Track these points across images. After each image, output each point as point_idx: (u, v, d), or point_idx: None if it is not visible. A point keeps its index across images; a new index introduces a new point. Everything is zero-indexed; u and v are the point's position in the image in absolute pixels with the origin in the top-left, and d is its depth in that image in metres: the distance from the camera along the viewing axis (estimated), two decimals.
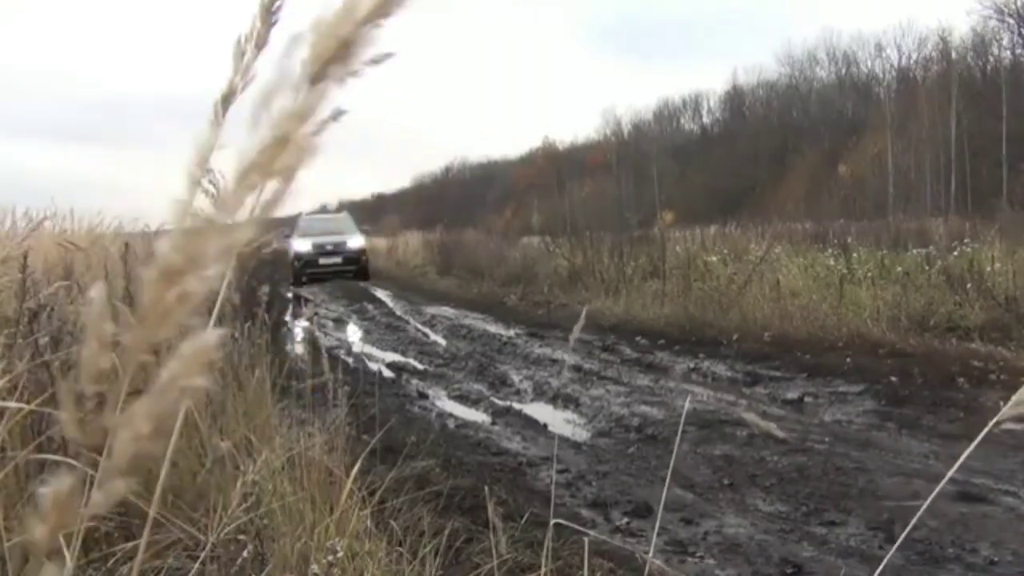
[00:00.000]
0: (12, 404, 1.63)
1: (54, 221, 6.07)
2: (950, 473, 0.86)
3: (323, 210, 37.17)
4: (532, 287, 13.19)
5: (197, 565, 1.42)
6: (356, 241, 18.66)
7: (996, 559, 2.92)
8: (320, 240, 18.06)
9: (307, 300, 11.05)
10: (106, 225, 6.18)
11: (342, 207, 36.08)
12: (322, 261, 17.61)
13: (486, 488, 2.03)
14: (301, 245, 17.87)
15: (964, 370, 5.63)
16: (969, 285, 7.79)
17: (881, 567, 1.03)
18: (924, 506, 0.89)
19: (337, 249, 18.02)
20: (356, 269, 17.97)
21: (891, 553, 0.98)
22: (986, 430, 0.76)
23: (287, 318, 9.86)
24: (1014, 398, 0.74)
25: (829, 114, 44.72)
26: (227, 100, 0.80)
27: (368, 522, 2.11)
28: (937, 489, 0.86)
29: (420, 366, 7.46)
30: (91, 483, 0.38)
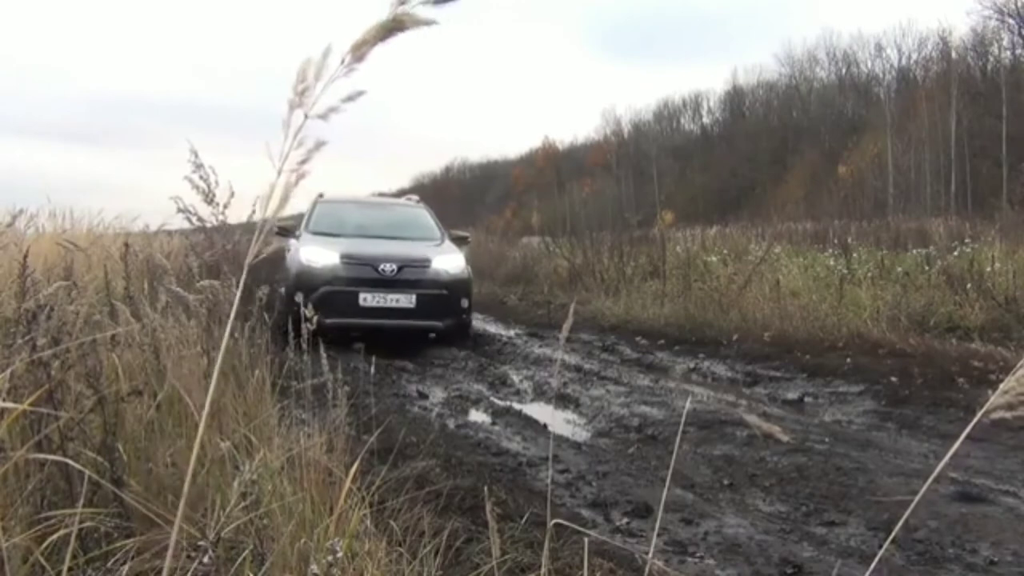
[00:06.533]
0: (10, 404, 1.63)
1: (52, 221, 6.09)
2: (941, 464, 0.87)
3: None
4: (532, 287, 13.22)
5: (196, 564, 1.42)
6: (448, 260, 8.05)
7: (996, 559, 2.92)
8: (362, 250, 7.86)
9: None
10: (107, 224, 6.18)
11: None
12: (367, 299, 7.58)
13: (485, 488, 2.03)
14: (316, 254, 7.77)
15: (964, 370, 5.62)
16: (969, 285, 7.80)
17: (874, 564, 1.03)
18: (916, 499, 0.89)
19: (404, 274, 7.70)
20: (449, 326, 7.89)
21: (884, 547, 0.98)
22: (976, 419, 0.76)
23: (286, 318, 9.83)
24: (1002, 386, 0.74)
25: (829, 114, 44.80)
26: None
27: (368, 522, 2.11)
28: (930, 479, 0.86)
29: (420, 366, 7.45)
30: (89, 482, 0.38)
